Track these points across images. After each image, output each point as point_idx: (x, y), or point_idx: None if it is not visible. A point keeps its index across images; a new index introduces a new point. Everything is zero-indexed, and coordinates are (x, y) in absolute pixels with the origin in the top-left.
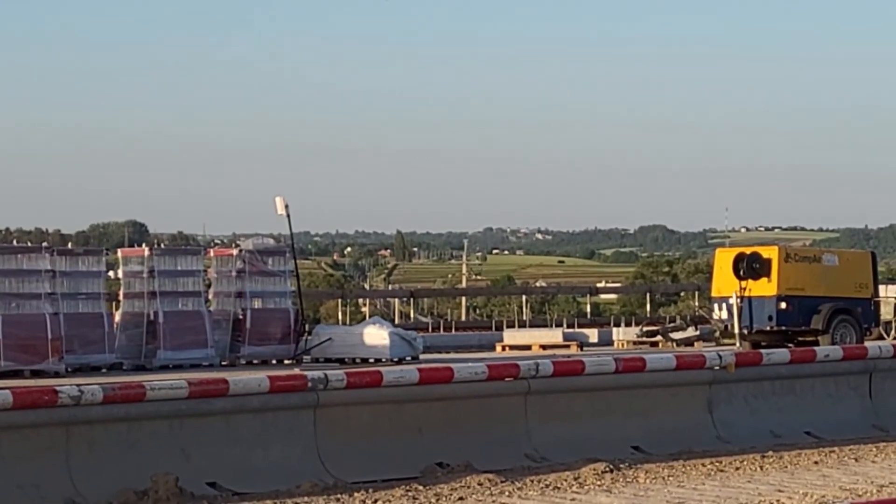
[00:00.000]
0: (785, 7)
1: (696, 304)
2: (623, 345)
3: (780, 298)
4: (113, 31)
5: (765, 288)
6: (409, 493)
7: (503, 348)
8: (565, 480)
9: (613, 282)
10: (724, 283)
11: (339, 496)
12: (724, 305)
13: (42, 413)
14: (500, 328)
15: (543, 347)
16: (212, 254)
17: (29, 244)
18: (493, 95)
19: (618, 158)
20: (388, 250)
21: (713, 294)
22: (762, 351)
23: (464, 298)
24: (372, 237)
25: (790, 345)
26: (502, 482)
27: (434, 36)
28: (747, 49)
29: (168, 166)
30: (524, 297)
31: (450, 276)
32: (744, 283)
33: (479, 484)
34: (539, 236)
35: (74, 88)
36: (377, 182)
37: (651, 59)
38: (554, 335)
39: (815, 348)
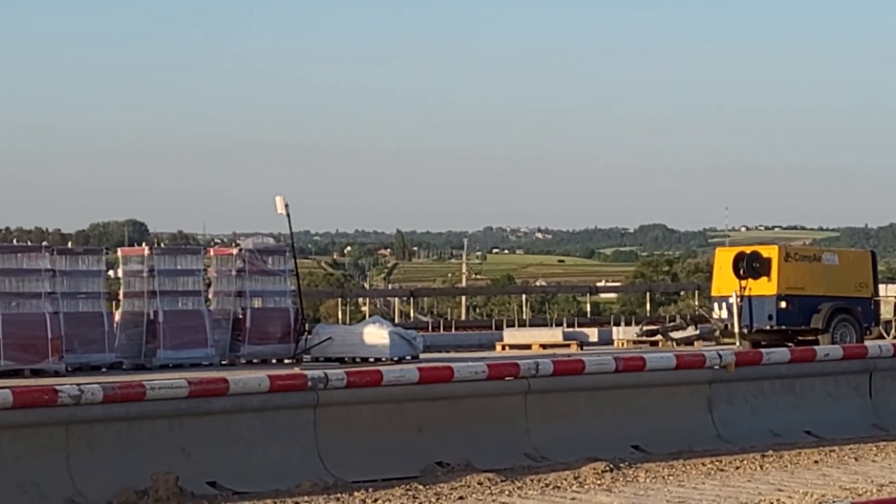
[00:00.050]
0: (785, 6)
1: (696, 303)
2: (623, 344)
3: (780, 298)
4: (113, 31)
5: (765, 287)
6: (409, 493)
7: (503, 347)
8: (565, 480)
9: (613, 281)
10: (724, 282)
11: (339, 495)
12: (724, 305)
13: (42, 412)
14: (500, 327)
15: (543, 347)
16: (212, 253)
17: (29, 243)
18: (493, 95)
19: (618, 158)
20: (388, 249)
21: (713, 293)
22: (762, 350)
23: (464, 298)
24: (372, 236)
25: (790, 344)
26: (502, 481)
27: (434, 36)
28: (747, 49)
29: (168, 166)
30: (524, 297)
31: (450, 275)
32: (744, 283)
33: (479, 483)
34: (539, 235)
35: (74, 88)
36: (377, 181)
37: (651, 59)
38: (554, 334)
39: (815, 347)
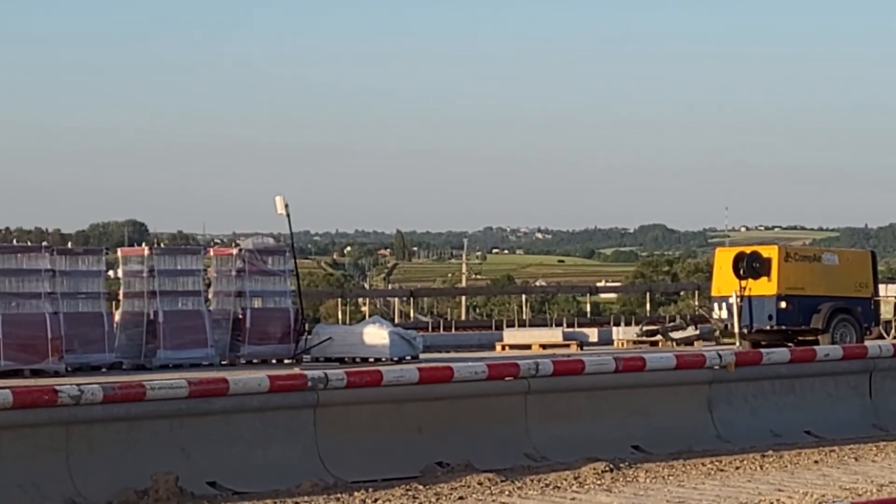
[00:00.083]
0: (785, 6)
1: (696, 303)
2: (623, 344)
3: (779, 298)
4: (113, 31)
5: (765, 287)
6: (409, 493)
7: (503, 347)
8: (565, 480)
9: (613, 281)
10: (724, 282)
11: (339, 495)
12: (723, 305)
13: (42, 412)
14: (499, 327)
15: (543, 347)
16: (212, 253)
17: (29, 243)
18: (493, 95)
19: (618, 158)
20: (388, 250)
21: (713, 293)
22: (762, 350)
23: (464, 298)
24: (372, 236)
25: (790, 344)
26: (502, 481)
27: (434, 36)
28: (747, 49)
29: (168, 166)
30: (524, 297)
31: (449, 275)
32: (744, 283)
33: (479, 483)
34: (539, 236)
35: (74, 88)
36: (377, 181)
37: (651, 58)
38: (554, 334)
39: (815, 347)
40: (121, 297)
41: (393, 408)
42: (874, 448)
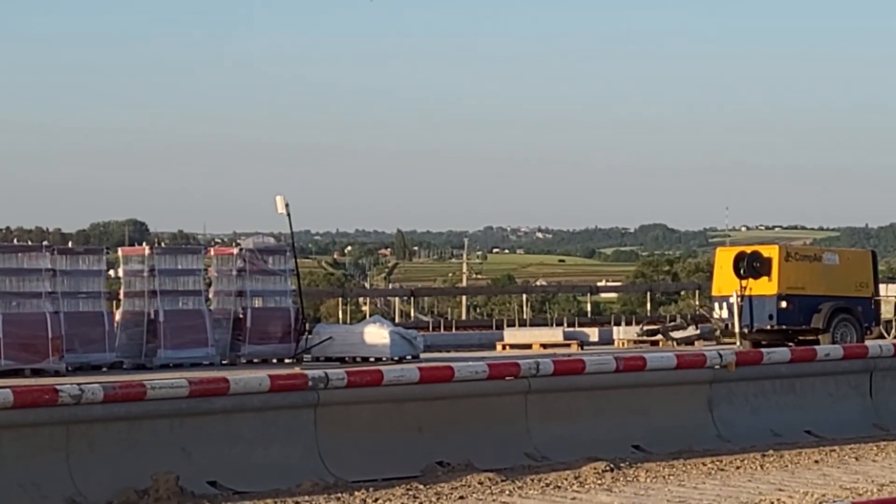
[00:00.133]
0: (785, 6)
1: (697, 302)
2: (623, 344)
3: (780, 297)
4: (113, 31)
5: (765, 287)
6: (410, 492)
7: (503, 347)
8: (566, 479)
9: (614, 281)
10: (725, 282)
11: (339, 495)
12: (724, 304)
13: (42, 412)
14: (500, 327)
15: (544, 346)
16: (212, 253)
17: (29, 243)
18: (493, 95)
19: (618, 157)
20: (389, 249)
21: (713, 293)
22: (763, 350)
23: (464, 297)
24: (372, 236)
25: (791, 344)
26: (503, 481)
27: (434, 36)
28: (747, 49)
29: (168, 165)
30: (524, 296)
31: (450, 274)
32: (744, 282)
33: (480, 483)
34: (539, 235)
35: (75, 87)
36: (377, 181)
37: (651, 58)
38: (554, 334)
39: (816, 347)
40: (121, 296)
41: (393, 407)
42: (875, 448)
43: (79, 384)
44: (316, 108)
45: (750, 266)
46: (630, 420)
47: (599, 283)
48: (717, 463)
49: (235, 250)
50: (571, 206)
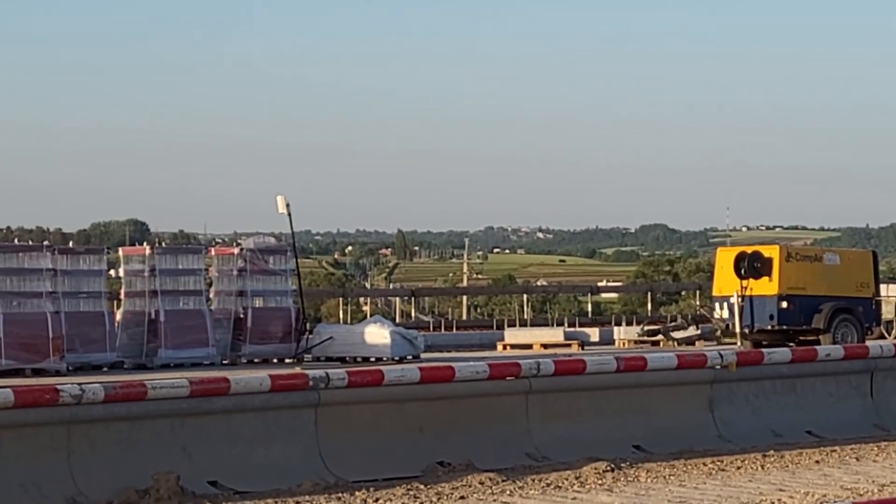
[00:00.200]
0: (785, 6)
1: (698, 303)
2: (624, 344)
3: (781, 298)
4: (113, 31)
5: (766, 287)
6: (411, 492)
7: (504, 347)
8: (566, 479)
9: (614, 281)
10: (726, 282)
11: (340, 495)
12: (725, 304)
13: (43, 412)
14: (501, 327)
15: (545, 346)
16: (213, 252)
17: (30, 243)
18: (493, 95)
19: (619, 157)
20: (390, 249)
21: (714, 293)
22: (763, 350)
23: (465, 297)
24: (373, 236)
25: (791, 344)
26: (503, 481)
27: (434, 36)
28: (747, 49)
29: (169, 165)
30: (525, 296)
31: (451, 274)
32: (745, 283)
33: (481, 483)
34: (540, 235)
35: (75, 87)
36: (378, 181)
37: (651, 58)
38: (555, 334)
39: (817, 347)
40: (122, 296)
41: (394, 407)
42: (875, 448)
43: (80, 384)
44: (316, 108)
45: (751, 266)
46: (631, 420)
47: (600, 284)
48: (718, 463)
49: (236, 250)
50: (572, 207)
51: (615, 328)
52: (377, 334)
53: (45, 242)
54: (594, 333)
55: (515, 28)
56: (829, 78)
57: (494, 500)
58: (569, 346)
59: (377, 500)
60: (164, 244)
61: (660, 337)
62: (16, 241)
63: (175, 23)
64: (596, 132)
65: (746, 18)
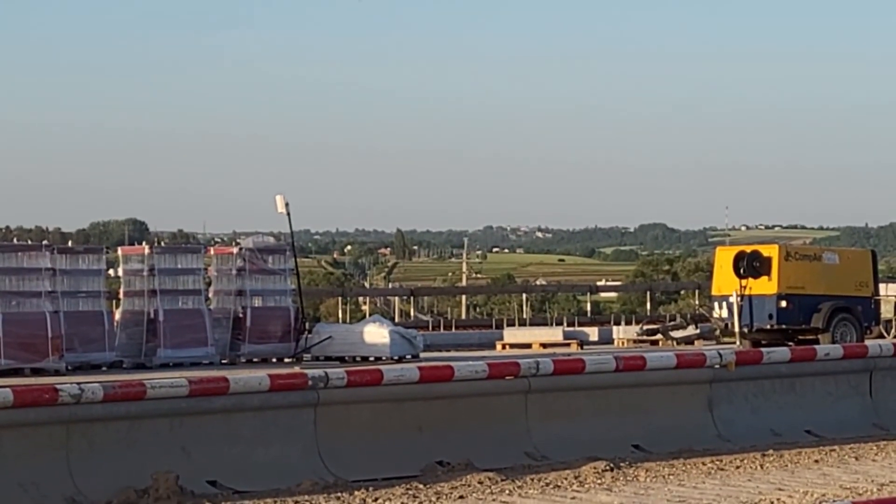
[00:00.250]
0: (785, 6)
1: (697, 302)
2: (623, 343)
3: (780, 297)
4: (114, 31)
5: (765, 286)
6: (410, 492)
7: (503, 347)
8: (566, 479)
9: (614, 280)
10: (725, 281)
11: (339, 494)
12: (724, 304)
13: (42, 411)
14: (500, 326)
15: (544, 346)
16: (212, 252)
17: (29, 242)
18: (493, 95)
19: (618, 157)
20: (389, 248)
21: (713, 292)
22: (762, 349)
23: (464, 297)
24: (372, 235)
25: (790, 343)
26: (503, 481)
27: (434, 35)
28: (747, 48)
29: (168, 165)
30: (524, 296)
31: (450, 274)
32: (744, 282)
33: (480, 482)
34: (539, 234)
35: (74, 87)
36: (377, 180)
37: (651, 57)
38: (554, 333)
39: (816, 347)
40: (121, 295)
41: (393, 407)
42: (874, 447)
43: (79, 383)
44: (316, 107)
45: (750, 265)
46: (630, 419)
47: (599, 283)
48: (717, 462)
49: (235, 249)
50: (571, 206)
51: (614, 327)
52: (376, 334)
53: (44, 242)
54: (593, 333)
55: (515, 28)
56: (828, 78)
57: (494, 500)
58: (568, 345)
59: (376, 499)
60: (163, 244)
61: (659, 336)
62: (15, 240)
63: (175, 23)
64: (596, 132)
65: (746, 18)
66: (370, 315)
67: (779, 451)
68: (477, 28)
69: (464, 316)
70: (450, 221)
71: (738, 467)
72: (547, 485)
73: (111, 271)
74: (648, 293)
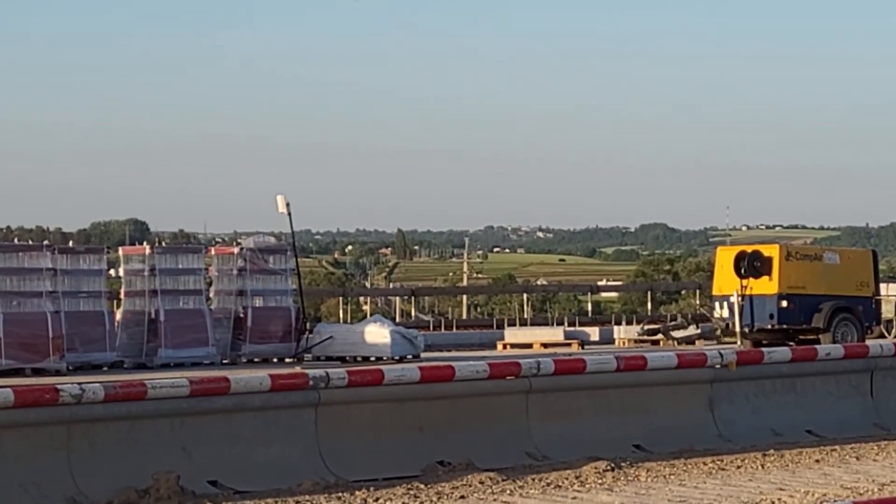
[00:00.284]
0: (785, 6)
1: (697, 302)
2: (624, 343)
3: (781, 297)
4: (114, 31)
5: (766, 286)
6: (411, 492)
7: (504, 346)
8: (566, 479)
9: (614, 280)
10: (726, 281)
11: (340, 494)
12: (725, 304)
13: (43, 411)
14: (501, 326)
15: (545, 346)
16: (213, 252)
17: (30, 242)
18: (493, 95)
19: (619, 157)
20: (390, 248)
21: (714, 292)
22: (763, 349)
23: (465, 297)
24: (373, 235)
25: (791, 343)
26: (503, 480)
27: (434, 35)
28: (747, 48)
29: (169, 165)
30: (525, 296)
31: (451, 274)
32: (745, 282)
33: (481, 482)
34: (540, 234)
35: (75, 87)
36: (378, 180)
37: (651, 57)
38: (555, 333)
39: (817, 347)
40: (122, 295)
41: (394, 407)
42: (875, 447)
43: (79, 383)
44: (316, 107)
45: (751, 265)
46: (631, 419)
47: (600, 283)
48: (718, 462)
49: (236, 249)
50: (572, 206)
51: (615, 327)
52: (377, 334)
53: (45, 242)
54: (594, 333)
55: (515, 28)
56: (828, 78)
57: (495, 500)
58: (569, 345)
59: (377, 499)
60: (163, 244)
61: (660, 336)
62: (16, 240)
63: (175, 23)
64: (596, 132)
65: (746, 18)
66: (371, 315)
67: (780, 451)
68: (477, 28)
69: (465, 316)
70: (450, 221)
71: (738, 467)
72: (548, 485)
73: (112, 271)
74: (649, 293)
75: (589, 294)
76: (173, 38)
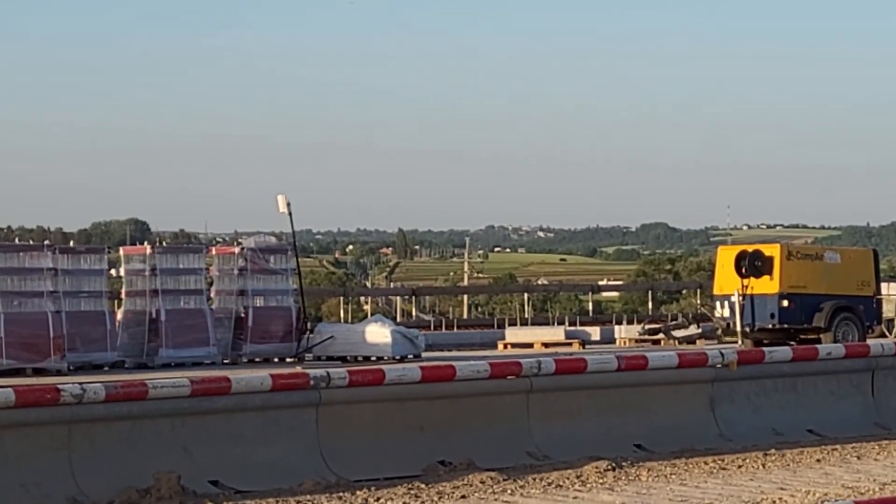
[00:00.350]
0: (785, 6)
1: (698, 301)
2: (625, 342)
3: (782, 296)
4: (114, 31)
5: (767, 286)
6: (412, 492)
7: (505, 346)
8: (567, 478)
9: (615, 280)
10: (726, 280)
11: (341, 494)
12: (726, 303)
13: (44, 411)
14: (501, 326)
15: (545, 345)
16: (213, 252)
17: (31, 242)
18: (493, 95)
19: (619, 156)
20: (390, 248)
21: (715, 292)
22: (764, 349)
23: (465, 296)
24: (374, 235)
25: (792, 343)
26: (504, 480)
27: (434, 35)
28: (747, 48)
29: (169, 165)
30: (526, 295)
31: (451, 273)
32: (746, 281)
33: (482, 482)
34: (541, 234)
35: (75, 87)
36: (379, 180)
37: (651, 57)
38: (556, 333)
39: (818, 346)
40: (123, 295)
41: (395, 406)
42: (876, 447)
43: (80, 383)
44: (316, 107)
45: (751, 265)
46: (632, 419)
47: (601, 282)
48: (719, 462)
49: (237, 249)
50: (573, 205)
51: (616, 327)
52: (378, 333)
53: (46, 242)
54: (595, 332)
55: (515, 28)
56: (828, 78)
57: (496, 499)
58: (570, 344)
59: (378, 499)
60: (164, 243)
61: (661, 336)
62: (16, 240)
63: (175, 23)
64: (596, 131)
65: (746, 18)
66: (372, 315)
67: (781, 451)
68: (477, 28)
69: (465, 315)
70: (451, 221)
71: (739, 467)
72: (549, 484)
73: (113, 271)
74: (650, 293)
75: (590, 294)
76: (173, 38)
